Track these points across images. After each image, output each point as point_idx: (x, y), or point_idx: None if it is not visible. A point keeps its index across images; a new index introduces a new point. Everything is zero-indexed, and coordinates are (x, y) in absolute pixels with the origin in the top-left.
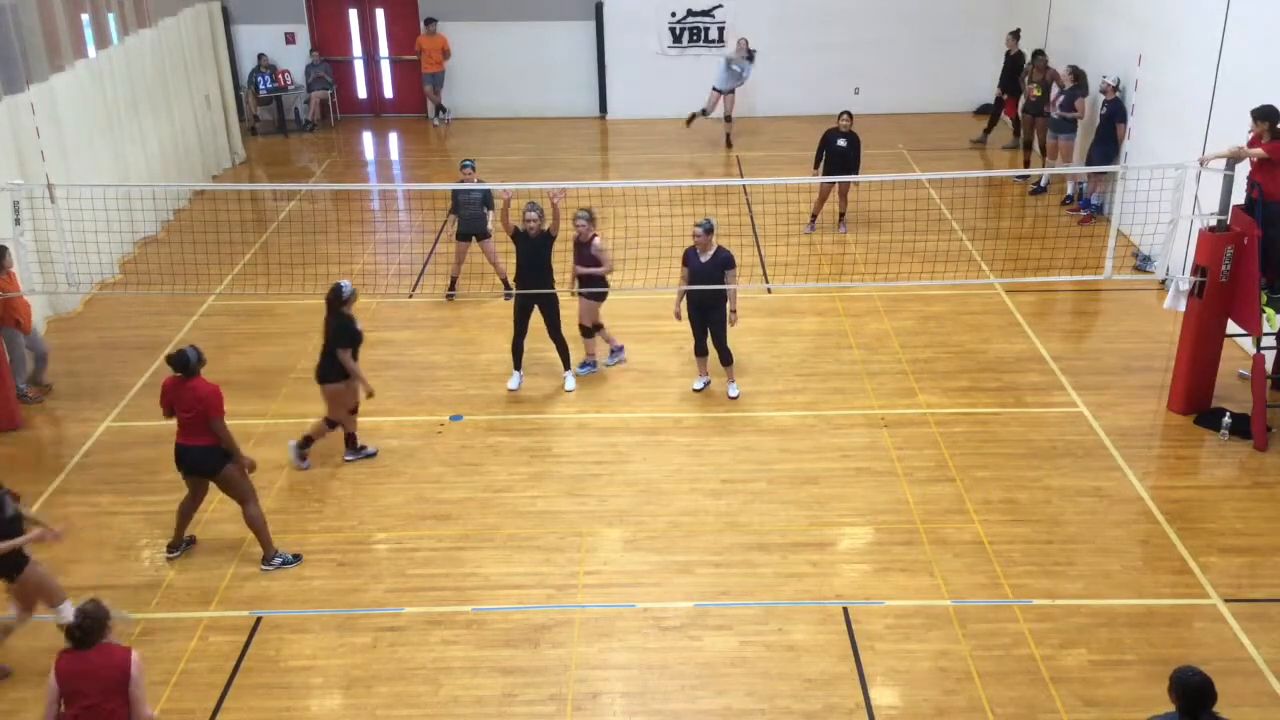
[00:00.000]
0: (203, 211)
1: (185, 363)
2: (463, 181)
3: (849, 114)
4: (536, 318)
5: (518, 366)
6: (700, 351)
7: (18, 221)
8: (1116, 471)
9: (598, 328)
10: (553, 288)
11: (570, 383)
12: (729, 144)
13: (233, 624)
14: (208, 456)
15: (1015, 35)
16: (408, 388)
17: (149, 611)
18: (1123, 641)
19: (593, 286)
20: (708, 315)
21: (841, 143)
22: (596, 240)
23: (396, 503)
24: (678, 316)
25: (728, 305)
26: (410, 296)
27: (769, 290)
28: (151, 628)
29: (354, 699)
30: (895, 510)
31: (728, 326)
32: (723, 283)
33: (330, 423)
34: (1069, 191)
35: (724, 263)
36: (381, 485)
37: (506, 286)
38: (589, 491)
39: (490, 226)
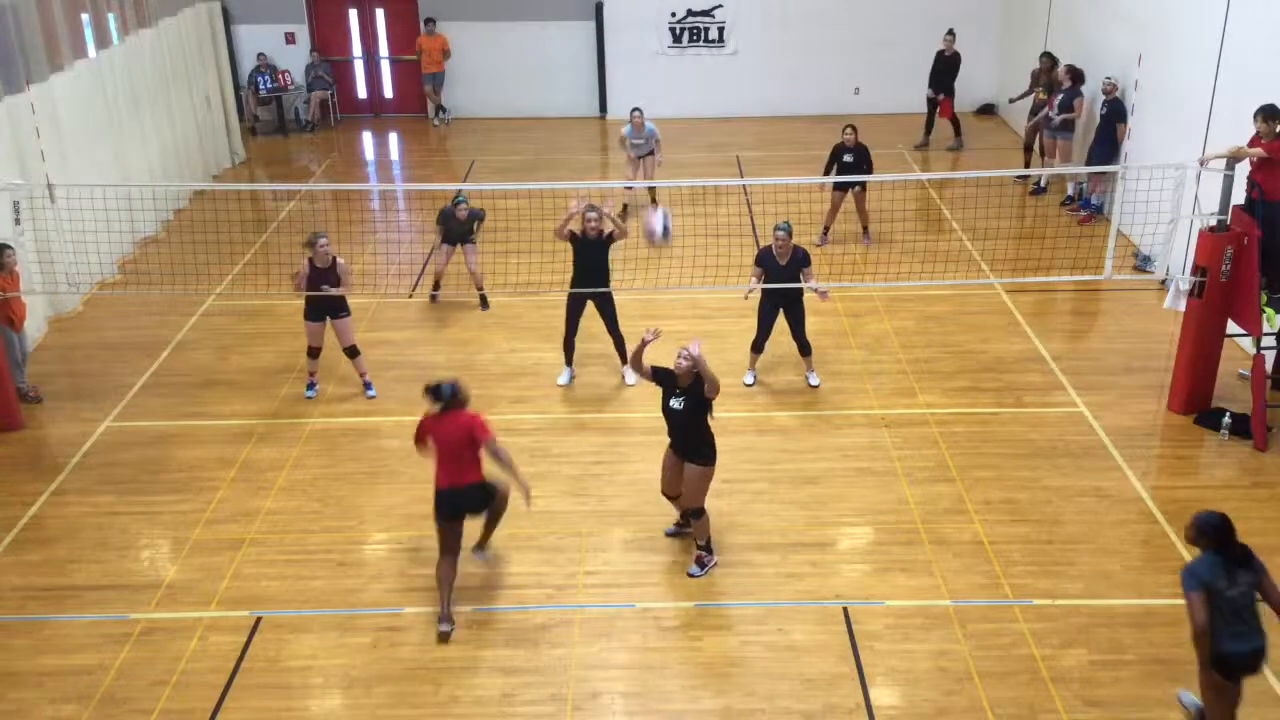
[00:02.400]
0: (203, 211)
1: (441, 395)
2: (455, 210)
3: (853, 127)
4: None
5: (569, 362)
6: (757, 348)
7: (18, 221)
8: (1116, 471)
9: None
10: (609, 287)
11: (630, 376)
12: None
13: (233, 624)
14: (481, 492)
15: (951, 35)
16: (408, 388)
17: (149, 611)
18: (1123, 641)
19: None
20: (789, 311)
21: (848, 157)
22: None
23: (396, 503)
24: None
25: (813, 290)
26: (410, 296)
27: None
28: (151, 628)
29: (354, 699)
30: (895, 510)
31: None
32: (799, 280)
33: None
34: (1069, 192)
35: (801, 262)
36: (381, 485)
37: (484, 300)
38: (589, 491)
39: (476, 235)
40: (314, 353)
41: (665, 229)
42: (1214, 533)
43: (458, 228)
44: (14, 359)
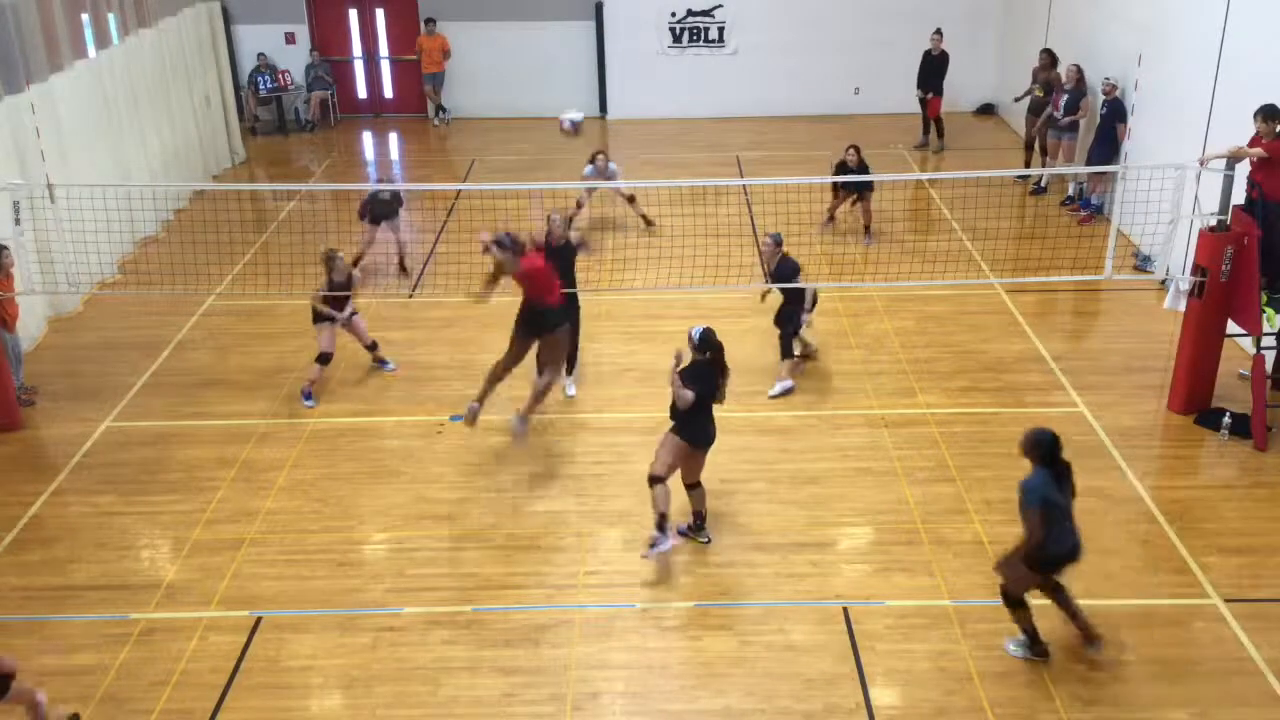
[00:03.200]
0: (203, 211)
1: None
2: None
3: (856, 148)
4: None
5: (569, 372)
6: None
7: (18, 221)
8: (1116, 471)
9: None
10: (575, 288)
11: (572, 389)
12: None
13: (233, 624)
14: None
15: (939, 34)
16: (408, 388)
17: (149, 611)
18: (1123, 641)
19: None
20: (775, 321)
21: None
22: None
23: (396, 503)
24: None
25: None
26: (410, 296)
27: (769, 290)
28: (151, 628)
29: (354, 699)
30: (895, 510)
31: (792, 332)
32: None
33: None
34: (1069, 192)
35: (786, 276)
36: (381, 485)
37: (404, 268)
38: (589, 491)
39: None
40: (325, 359)
41: (574, 122)
42: (1046, 449)
43: (383, 209)
44: (14, 359)
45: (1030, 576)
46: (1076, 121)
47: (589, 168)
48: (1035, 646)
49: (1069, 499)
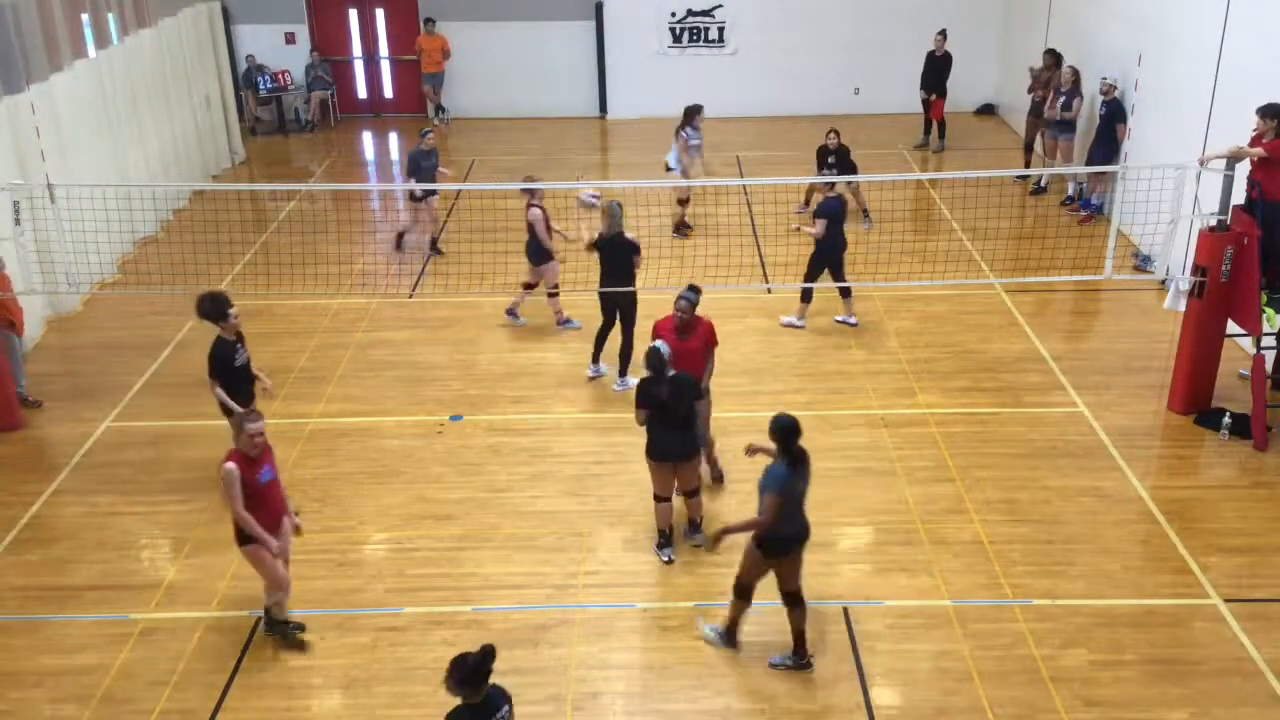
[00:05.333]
0: (203, 211)
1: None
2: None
3: (835, 131)
4: None
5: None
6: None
7: (18, 221)
8: (1116, 471)
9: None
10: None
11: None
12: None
13: (233, 624)
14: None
15: (943, 35)
16: (408, 388)
17: (149, 611)
18: (1123, 641)
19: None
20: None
21: (831, 159)
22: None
23: (396, 503)
24: None
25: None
26: (410, 296)
27: (769, 290)
28: (151, 628)
29: (354, 699)
30: (895, 510)
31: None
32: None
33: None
34: (1069, 192)
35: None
36: (381, 485)
37: (436, 247)
38: (589, 491)
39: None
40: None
41: (594, 198)
42: (787, 434)
43: (425, 160)
44: (17, 361)
45: (762, 561)
46: (1073, 122)
47: (690, 130)
48: (729, 639)
49: (805, 486)
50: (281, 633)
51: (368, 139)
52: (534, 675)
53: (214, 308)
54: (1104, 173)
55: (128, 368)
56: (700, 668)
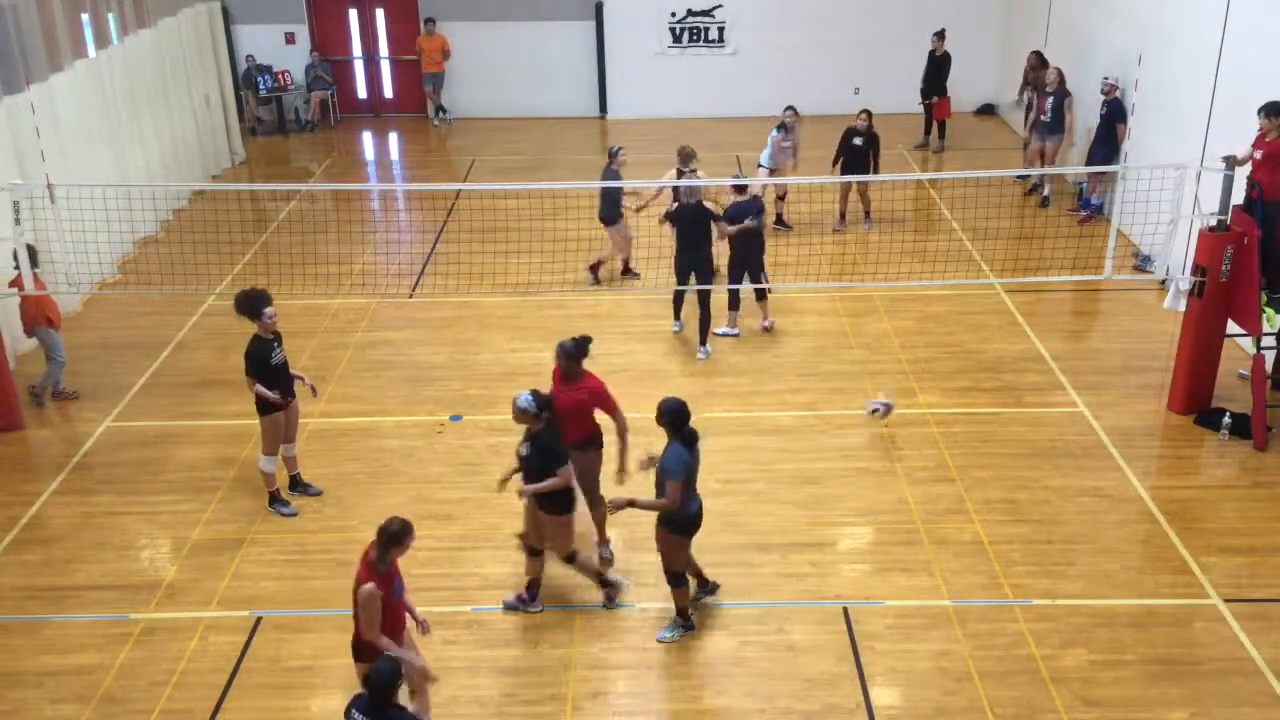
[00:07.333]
0: (202, 211)
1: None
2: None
3: (868, 112)
4: None
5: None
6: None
7: (18, 221)
8: (1116, 471)
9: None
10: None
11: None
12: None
13: (233, 624)
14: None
15: (940, 36)
16: (408, 388)
17: (149, 611)
18: (1123, 641)
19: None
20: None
21: (858, 141)
22: None
23: (396, 503)
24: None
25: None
26: (410, 296)
27: (769, 290)
28: (151, 628)
29: None
30: (895, 510)
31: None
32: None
33: None
34: (1070, 192)
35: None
36: (381, 485)
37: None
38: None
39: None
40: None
41: (887, 406)
42: (676, 417)
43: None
44: (55, 359)
45: (681, 543)
46: (1060, 124)
47: (778, 132)
48: (685, 624)
49: (697, 465)
50: None
51: (368, 139)
52: (534, 675)
53: (249, 305)
54: (1104, 173)
55: (128, 368)
56: (700, 668)
